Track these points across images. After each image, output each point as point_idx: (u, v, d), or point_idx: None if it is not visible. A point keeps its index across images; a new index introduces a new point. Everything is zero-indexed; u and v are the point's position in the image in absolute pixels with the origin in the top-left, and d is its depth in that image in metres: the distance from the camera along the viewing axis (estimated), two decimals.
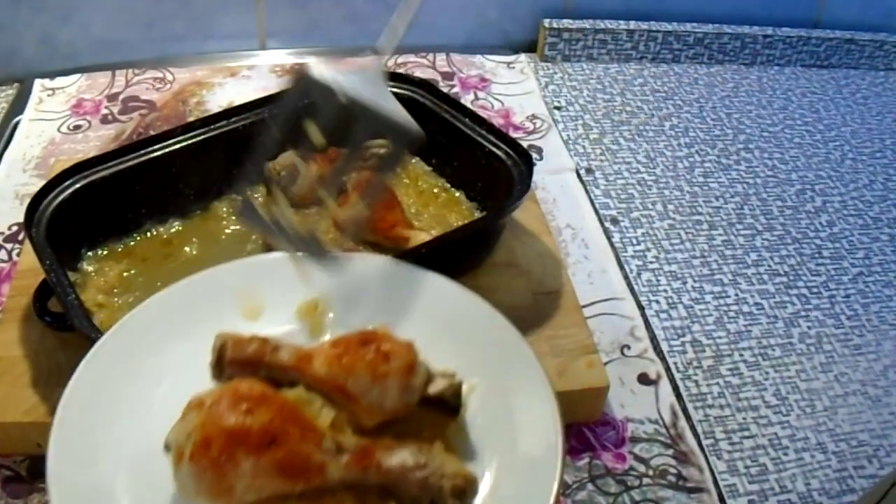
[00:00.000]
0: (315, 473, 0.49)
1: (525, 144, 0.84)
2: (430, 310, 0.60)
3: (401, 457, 0.50)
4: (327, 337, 0.59)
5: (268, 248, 0.72)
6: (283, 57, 1.10)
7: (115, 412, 0.53)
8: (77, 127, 0.96)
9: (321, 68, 0.54)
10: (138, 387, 0.54)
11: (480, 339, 0.58)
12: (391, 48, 0.55)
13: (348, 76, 0.54)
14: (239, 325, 0.58)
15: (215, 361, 0.54)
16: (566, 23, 1.13)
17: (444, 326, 0.59)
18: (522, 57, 1.13)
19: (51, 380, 0.63)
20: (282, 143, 0.63)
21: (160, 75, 1.04)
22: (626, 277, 0.82)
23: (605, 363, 0.72)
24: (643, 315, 0.79)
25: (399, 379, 0.52)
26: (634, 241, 0.87)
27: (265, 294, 0.61)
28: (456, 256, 0.72)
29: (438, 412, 0.54)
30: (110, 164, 0.72)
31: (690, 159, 1.00)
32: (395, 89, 0.83)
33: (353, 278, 0.62)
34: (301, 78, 0.54)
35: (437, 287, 0.61)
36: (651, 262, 0.85)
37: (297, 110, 0.56)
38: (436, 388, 0.54)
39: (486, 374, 0.57)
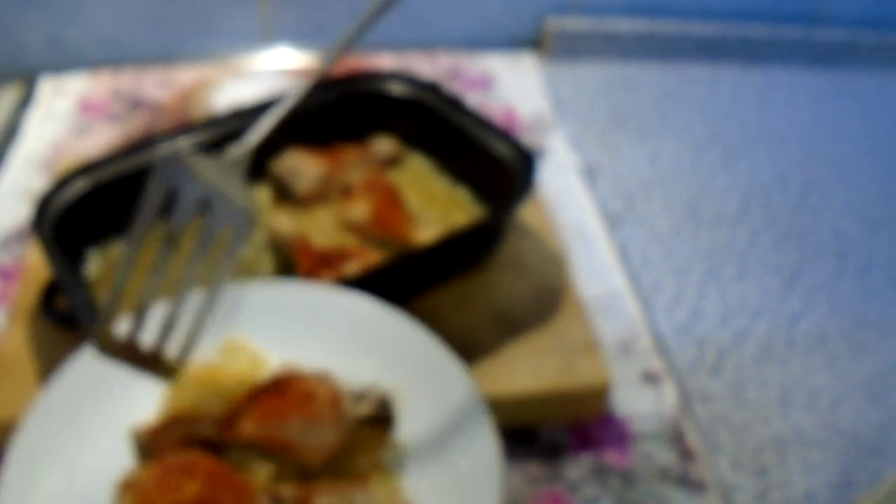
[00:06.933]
0: None
1: (528, 143, 0.85)
2: (330, 331, 0.60)
3: (329, 500, 0.51)
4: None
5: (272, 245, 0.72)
6: (290, 56, 1.11)
7: None
8: (83, 125, 0.96)
9: (187, 158, 0.56)
10: (69, 469, 0.53)
11: (396, 351, 0.58)
12: (254, 141, 0.58)
13: (208, 164, 0.57)
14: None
15: (141, 455, 0.53)
16: (570, 21, 1.13)
17: (353, 345, 0.59)
18: (526, 55, 1.14)
19: None
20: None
21: (167, 74, 1.05)
22: (629, 275, 0.83)
23: (609, 361, 0.72)
24: (646, 313, 0.79)
25: (329, 412, 0.53)
26: (637, 239, 0.88)
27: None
28: (459, 255, 0.73)
29: (376, 430, 0.55)
30: (117, 162, 0.73)
31: (693, 157, 1.00)
32: (398, 91, 0.83)
33: (262, 309, 0.61)
34: (165, 163, 0.55)
35: (336, 305, 0.60)
36: (654, 260, 0.85)
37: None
38: (364, 406, 0.55)
39: (409, 383, 0.57)
